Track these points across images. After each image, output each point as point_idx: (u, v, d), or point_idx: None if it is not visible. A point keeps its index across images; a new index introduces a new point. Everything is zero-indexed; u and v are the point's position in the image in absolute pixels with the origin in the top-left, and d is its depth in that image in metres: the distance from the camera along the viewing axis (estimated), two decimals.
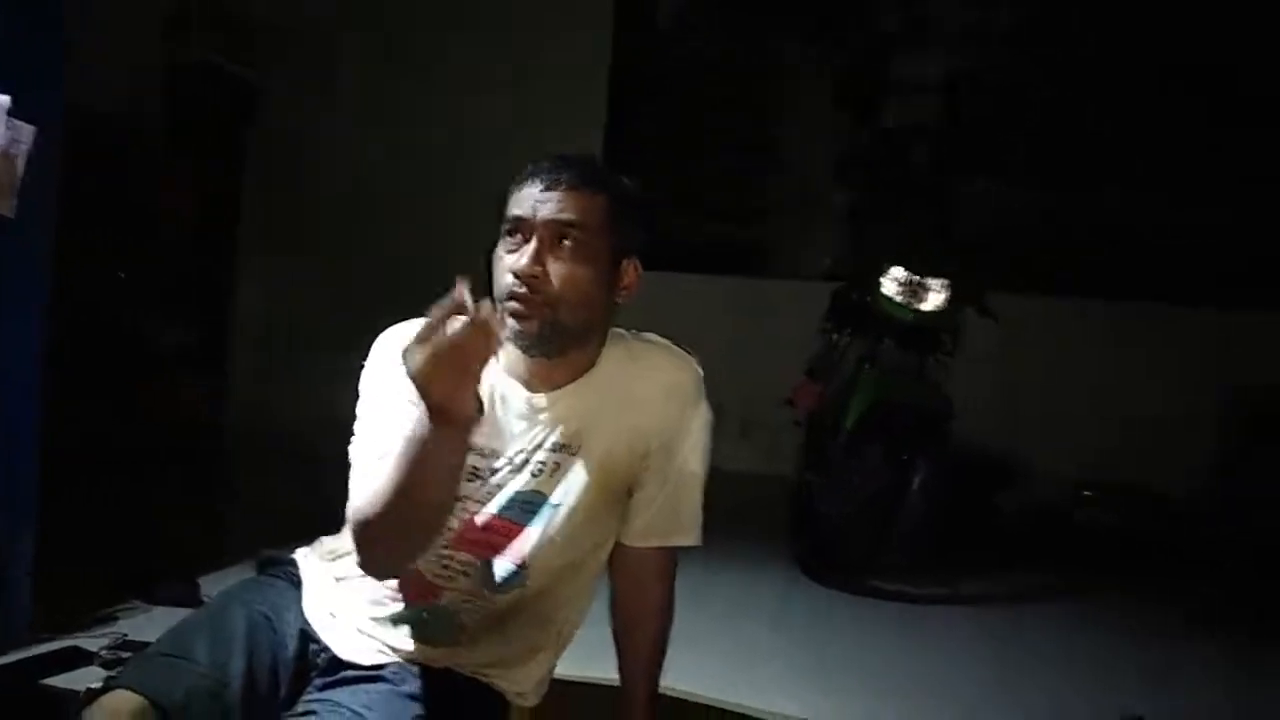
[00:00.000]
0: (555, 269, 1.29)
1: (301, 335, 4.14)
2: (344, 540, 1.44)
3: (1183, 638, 2.59)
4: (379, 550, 1.27)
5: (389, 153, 4.09)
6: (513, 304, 1.29)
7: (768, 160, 4.15)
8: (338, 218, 4.16)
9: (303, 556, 1.48)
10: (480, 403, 1.18)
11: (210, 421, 3.90)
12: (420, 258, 4.00)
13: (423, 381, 1.13)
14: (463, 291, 1.11)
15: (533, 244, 1.29)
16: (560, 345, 1.33)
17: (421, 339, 1.11)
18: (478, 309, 1.11)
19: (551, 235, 1.29)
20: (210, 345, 4.02)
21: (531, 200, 1.30)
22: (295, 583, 1.44)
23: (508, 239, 1.32)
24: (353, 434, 1.37)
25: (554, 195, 1.30)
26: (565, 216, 1.29)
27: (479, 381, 1.15)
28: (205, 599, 1.96)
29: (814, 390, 3.09)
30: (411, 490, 1.19)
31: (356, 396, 1.41)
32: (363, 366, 1.41)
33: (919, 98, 3.86)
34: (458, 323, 1.10)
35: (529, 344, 1.31)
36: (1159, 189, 3.71)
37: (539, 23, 4.06)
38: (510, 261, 1.30)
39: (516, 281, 1.28)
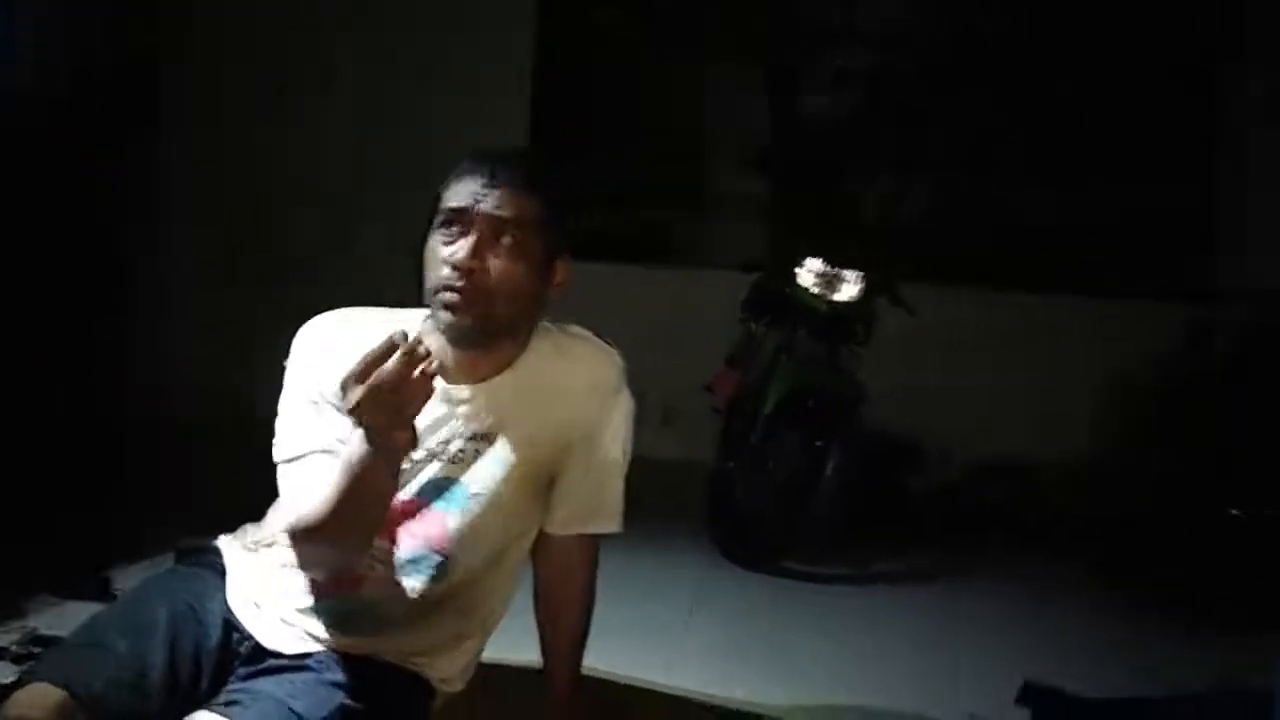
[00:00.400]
0: (493, 264, 1.30)
1: (211, 323, 4.04)
2: (268, 529, 1.45)
3: (1076, 606, 2.75)
4: (319, 552, 1.30)
5: (305, 146, 4.00)
6: (448, 295, 1.29)
7: (689, 152, 4.20)
8: (249, 207, 4.07)
9: (226, 545, 1.48)
10: (415, 432, 1.21)
11: (118, 410, 3.78)
12: (332, 250, 3.97)
13: (361, 416, 1.16)
14: (404, 335, 1.15)
15: (471, 237, 1.29)
16: (490, 339, 1.35)
17: (360, 376, 1.14)
18: (417, 349, 1.14)
19: (490, 230, 1.30)
20: (116, 330, 3.90)
21: (471, 193, 1.30)
22: (218, 571, 1.43)
23: (443, 230, 1.31)
24: (274, 427, 1.38)
25: (495, 191, 1.30)
26: (505, 214, 1.30)
27: (416, 416, 1.19)
28: (117, 592, 1.93)
29: (733, 378, 3.16)
30: (348, 506, 1.22)
31: (266, 384, 1.41)
32: (271, 354, 1.41)
33: (835, 91, 3.96)
34: (395, 360, 1.13)
35: (460, 336, 1.32)
36: (1057, 186, 3.89)
37: (460, 14, 4.03)
38: (447, 253, 1.30)
39: (454, 274, 1.28)
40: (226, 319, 3.97)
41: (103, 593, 2.14)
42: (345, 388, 1.16)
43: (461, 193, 1.31)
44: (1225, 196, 3.81)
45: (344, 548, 1.30)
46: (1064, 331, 3.73)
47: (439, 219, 1.33)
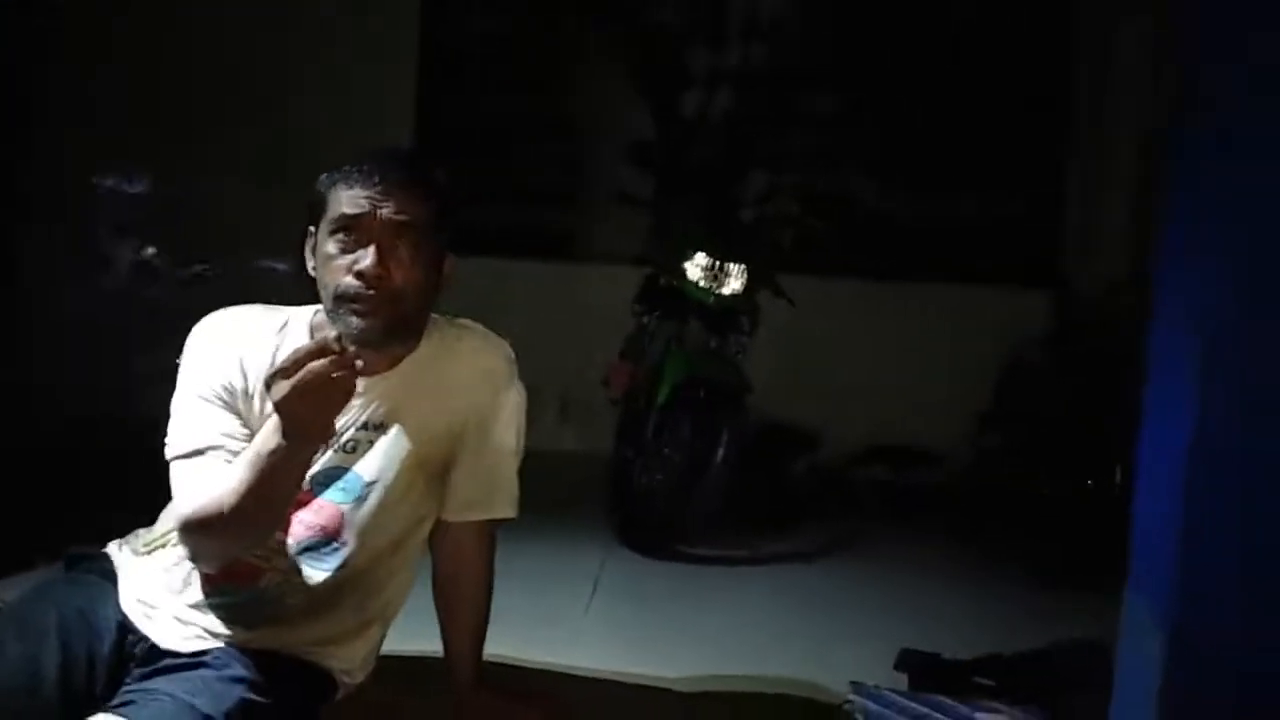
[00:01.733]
0: (395, 268, 1.32)
1: (95, 327, 3.88)
2: (158, 531, 1.45)
3: (946, 576, 2.93)
4: (215, 545, 1.32)
5: (194, 145, 3.87)
6: (355, 305, 1.32)
7: (578, 147, 4.26)
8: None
9: (115, 550, 1.47)
10: (334, 428, 1.26)
11: None
12: (221, 251, 3.86)
13: (287, 411, 1.19)
14: (337, 337, 1.20)
15: (373, 244, 1.31)
16: (394, 338, 1.38)
17: (287, 372, 1.18)
18: (345, 351, 1.19)
19: (390, 235, 1.32)
20: None
21: (365, 200, 1.32)
22: (109, 577, 1.42)
23: (339, 237, 1.33)
24: (166, 426, 1.38)
25: (389, 195, 1.32)
26: (403, 217, 1.32)
27: (337, 413, 1.24)
28: None
29: (627, 370, 3.23)
30: (254, 498, 1.25)
31: (150, 388, 1.41)
32: (159, 356, 1.41)
33: (712, 87, 4.07)
34: (325, 360, 1.18)
35: (367, 340, 1.34)
36: (928, 180, 4.12)
37: (346, 16, 3.97)
38: (348, 260, 1.32)
39: (359, 283, 1.31)
40: (97, 321, 3.82)
41: None
42: (270, 383, 1.19)
43: (355, 199, 1.32)
44: (1075, 194, 4.10)
45: (244, 539, 1.32)
46: (932, 318, 3.93)
47: (332, 225, 1.34)
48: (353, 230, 1.33)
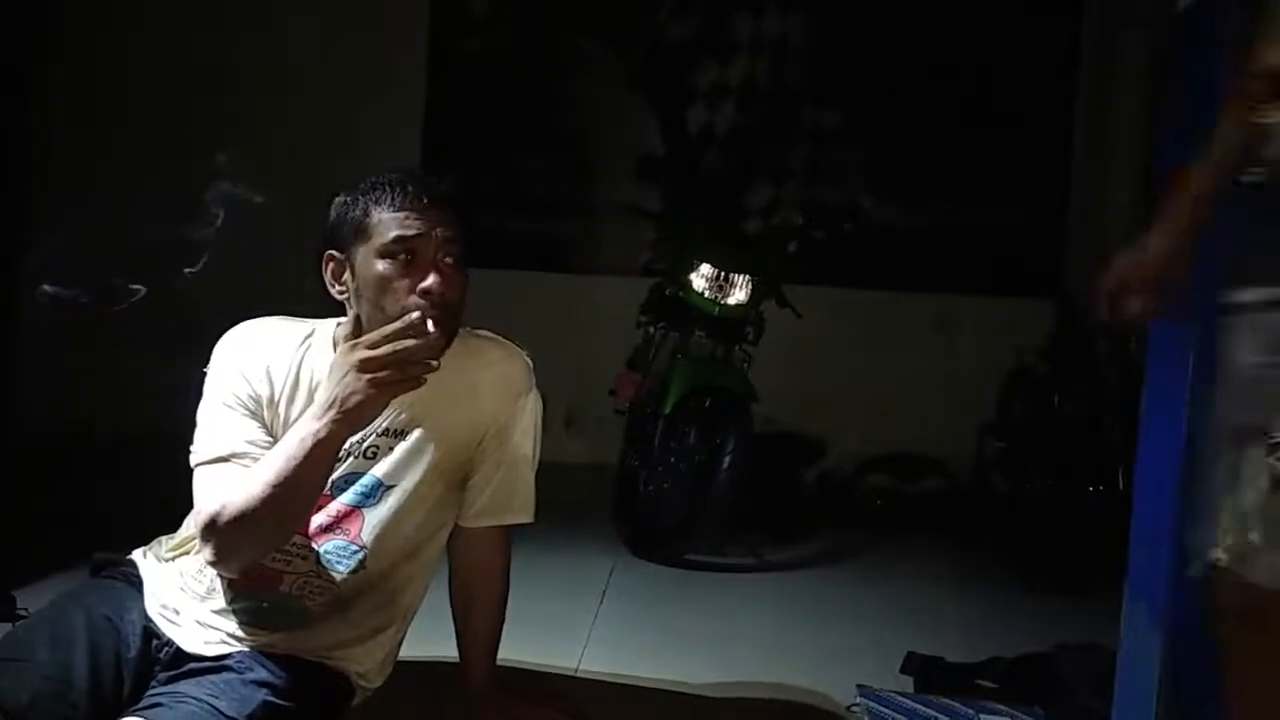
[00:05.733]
0: (449, 285, 1.38)
1: (107, 334, 3.92)
2: (181, 537, 1.48)
3: (952, 581, 2.95)
4: (241, 541, 1.33)
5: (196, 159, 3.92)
6: (430, 325, 1.35)
7: (584, 160, 4.30)
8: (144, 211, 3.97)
9: (140, 557, 1.50)
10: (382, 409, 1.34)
11: (16, 428, 3.65)
12: (232, 257, 3.90)
13: (358, 384, 1.26)
14: (416, 319, 1.28)
15: (430, 265, 1.36)
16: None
17: (374, 344, 1.25)
18: (432, 335, 1.27)
19: (440, 252, 1.37)
20: (6, 344, 3.75)
21: (414, 221, 1.37)
22: (134, 583, 1.46)
23: (392, 259, 1.36)
24: (182, 440, 1.41)
25: (434, 214, 1.38)
26: (450, 234, 1.38)
27: (399, 395, 1.31)
28: (22, 612, 1.90)
29: (634, 380, 3.26)
30: (289, 482, 1.28)
31: (166, 395, 1.44)
32: (170, 365, 1.45)
33: (718, 101, 4.12)
34: (413, 341, 1.26)
35: (435, 355, 1.36)
36: (931, 192, 4.16)
37: (354, 21, 4.03)
38: (408, 284, 1.36)
39: (425, 301, 1.35)
40: (118, 334, 3.87)
41: (8, 612, 2.10)
42: (347, 352, 1.27)
43: (406, 221, 1.36)
44: (1077, 205, 4.15)
45: (270, 533, 1.34)
46: (936, 328, 3.97)
47: (383, 248, 1.36)
48: (408, 252, 1.37)
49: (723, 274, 3.03)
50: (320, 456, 1.29)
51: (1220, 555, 1.18)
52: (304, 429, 1.29)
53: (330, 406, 1.27)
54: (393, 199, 1.38)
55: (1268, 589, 1.14)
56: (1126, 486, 2.62)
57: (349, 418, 1.27)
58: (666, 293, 3.24)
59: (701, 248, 3.11)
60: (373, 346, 1.25)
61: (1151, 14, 3.51)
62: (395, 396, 1.31)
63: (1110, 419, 2.93)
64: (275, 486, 1.28)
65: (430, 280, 1.36)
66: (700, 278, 3.04)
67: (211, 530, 1.32)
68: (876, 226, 4.06)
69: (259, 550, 1.37)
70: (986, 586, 2.91)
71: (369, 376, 1.25)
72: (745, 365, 3.13)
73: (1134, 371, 1.91)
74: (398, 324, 1.27)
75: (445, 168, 3.88)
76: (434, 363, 1.28)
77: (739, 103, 4.10)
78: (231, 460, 1.36)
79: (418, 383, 1.28)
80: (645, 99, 4.11)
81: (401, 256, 1.36)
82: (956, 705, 1.95)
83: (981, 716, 1.91)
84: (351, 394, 1.26)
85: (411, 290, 1.35)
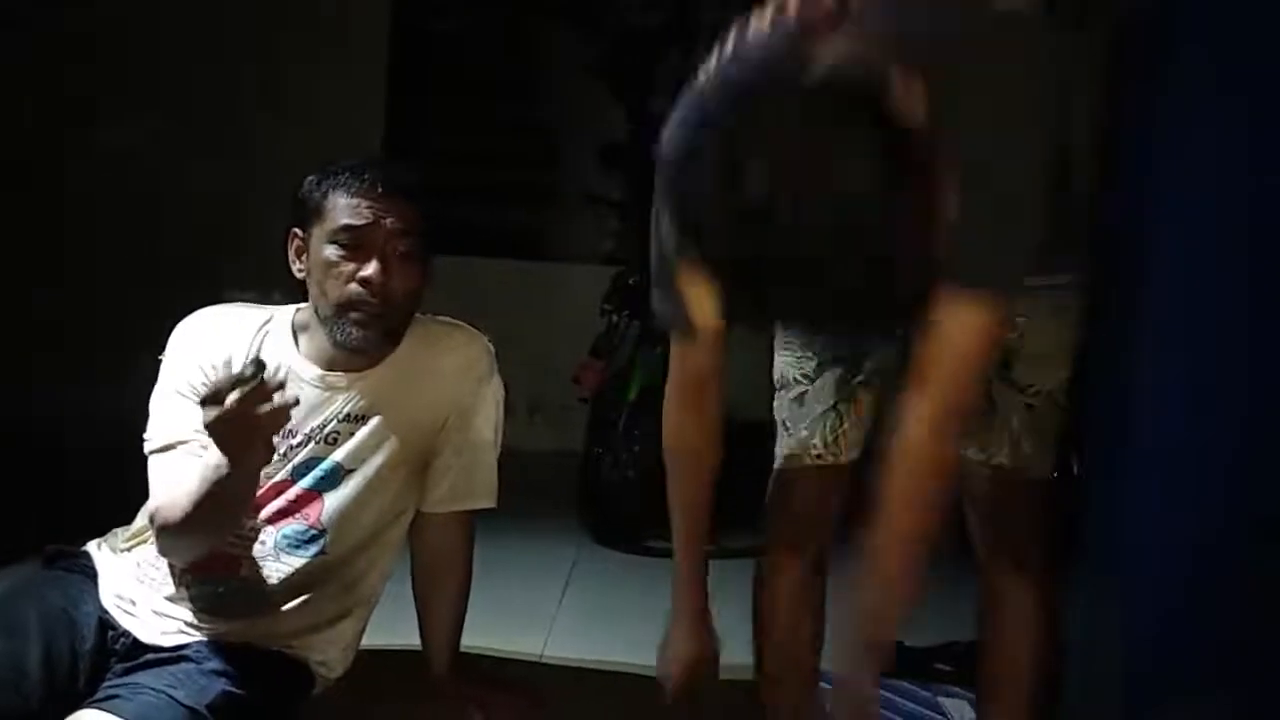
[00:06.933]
0: (396, 276, 1.37)
1: (54, 329, 3.85)
2: (136, 527, 1.46)
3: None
4: (180, 543, 1.35)
5: (167, 148, 3.84)
6: (358, 314, 1.36)
7: (548, 147, 4.28)
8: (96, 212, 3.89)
9: (95, 548, 1.48)
10: (271, 447, 1.27)
11: None
12: (185, 247, 3.84)
13: (216, 438, 1.20)
14: (257, 364, 1.16)
15: (375, 255, 1.35)
16: (388, 343, 1.42)
17: (210, 401, 1.16)
18: (267, 384, 1.15)
19: (389, 243, 1.36)
20: None
21: (368, 210, 1.36)
22: (89, 574, 1.44)
23: (339, 245, 1.36)
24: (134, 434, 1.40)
25: (389, 205, 1.36)
26: (402, 225, 1.37)
27: (270, 438, 1.24)
28: None
29: (597, 368, 3.26)
30: (206, 506, 1.27)
31: (113, 388, 1.43)
32: (114, 359, 1.44)
33: (684, 89, 4.12)
34: (241, 396, 1.14)
35: (368, 347, 1.38)
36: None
37: (313, 11, 3.96)
38: (350, 270, 1.35)
39: (364, 292, 1.34)
40: (72, 327, 3.79)
41: None
42: (203, 405, 1.18)
43: (357, 209, 1.36)
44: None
45: (200, 541, 1.35)
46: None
47: (332, 234, 1.36)
48: (355, 240, 1.36)
49: None
50: (229, 484, 1.25)
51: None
52: (214, 455, 1.25)
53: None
54: (349, 185, 1.37)
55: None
56: (1082, 471, 2.66)
57: (235, 464, 1.23)
58: (630, 281, 3.24)
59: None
60: (215, 401, 1.16)
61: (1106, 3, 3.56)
62: (260, 444, 1.23)
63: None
64: (196, 504, 1.27)
65: (370, 270, 1.35)
66: None
67: (154, 523, 1.33)
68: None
69: (197, 551, 1.36)
70: (944, 569, 2.95)
71: (220, 438, 1.20)
72: None
73: (1084, 356, 1.94)
74: (227, 377, 1.16)
75: (406, 153, 3.85)
76: (289, 414, 1.21)
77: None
78: (180, 448, 1.35)
79: (272, 429, 1.22)
80: (609, 86, 4.10)
81: (346, 244, 1.36)
82: (916, 689, 1.98)
83: (940, 700, 1.95)
84: (222, 448, 1.21)
85: (353, 278, 1.35)
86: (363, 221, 1.36)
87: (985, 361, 1.19)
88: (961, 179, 0.91)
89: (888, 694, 1.96)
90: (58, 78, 3.79)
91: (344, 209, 1.37)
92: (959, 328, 1.09)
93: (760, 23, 1.07)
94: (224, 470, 1.23)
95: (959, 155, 0.91)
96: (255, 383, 1.15)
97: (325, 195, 1.38)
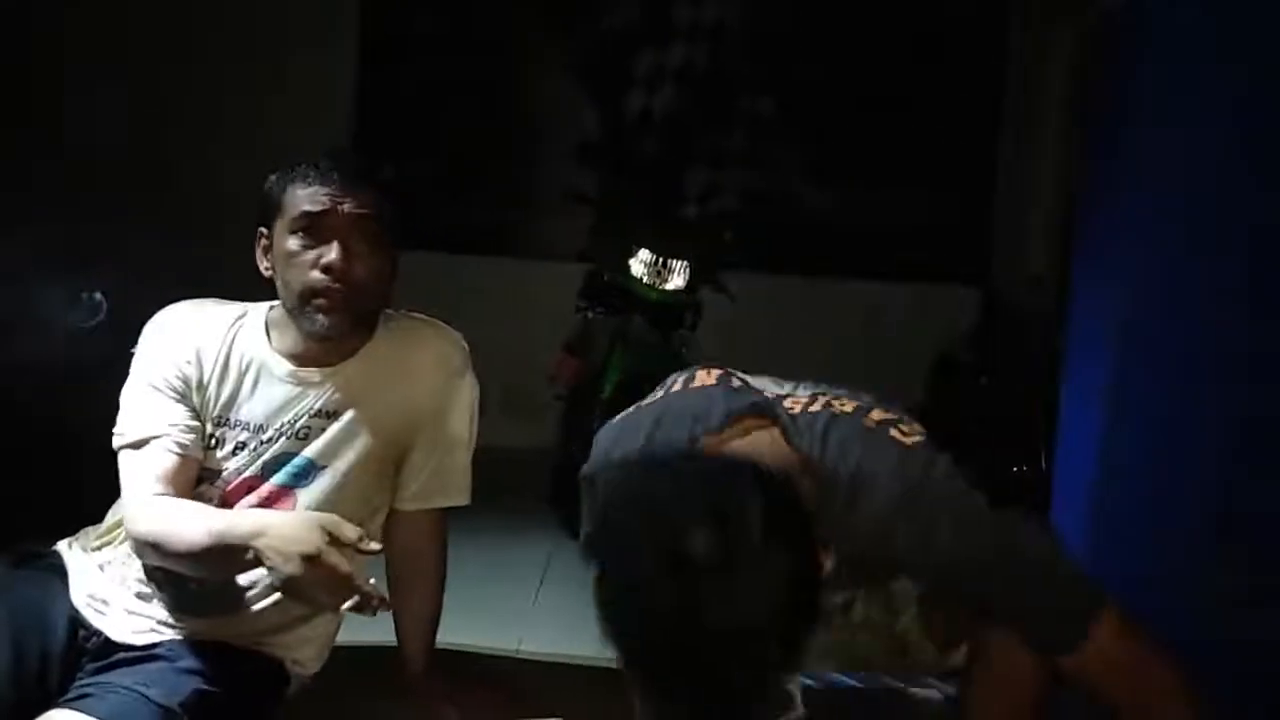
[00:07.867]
0: (358, 261, 1.36)
1: (37, 324, 3.79)
2: (107, 525, 1.45)
3: None
4: (162, 564, 1.36)
5: (133, 146, 3.79)
6: (323, 300, 1.35)
7: (522, 144, 4.27)
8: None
9: (65, 548, 1.47)
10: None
11: None
12: (158, 248, 3.79)
13: (290, 587, 1.22)
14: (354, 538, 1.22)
15: (336, 240, 1.34)
16: (354, 330, 1.42)
17: (308, 554, 1.20)
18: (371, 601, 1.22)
19: (350, 230, 1.35)
20: None
21: (326, 197, 1.35)
22: (59, 574, 1.43)
23: (300, 235, 1.35)
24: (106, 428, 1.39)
25: (348, 191, 1.35)
26: (363, 211, 1.36)
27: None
28: None
29: (572, 364, 3.26)
30: (204, 561, 1.30)
31: (83, 385, 1.42)
32: (89, 351, 1.43)
33: (656, 87, 4.12)
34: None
35: (331, 334, 1.37)
36: (863, 179, 4.22)
37: (283, 6, 3.93)
38: (311, 258, 1.34)
39: (326, 278, 1.34)
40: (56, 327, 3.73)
41: None
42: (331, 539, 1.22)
43: (315, 196, 1.35)
44: (1004, 193, 4.25)
45: (184, 571, 1.36)
46: (866, 315, 4.05)
47: (293, 223, 1.36)
48: (314, 227, 1.35)
49: (661, 259, 3.05)
50: (240, 558, 1.27)
51: None
52: (236, 530, 1.26)
53: (261, 533, 1.23)
54: (308, 176, 1.37)
55: None
56: (1050, 466, 2.71)
57: (262, 551, 1.23)
58: (605, 278, 3.24)
59: (640, 233, 3.12)
60: (307, 558, 1.20)
61: (1080, 5, 3.61)
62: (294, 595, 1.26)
63: (1033, 402, 3.02)
64: (198, 556, 1.29)
65: (331, 255, 1.34)
66: (639, 263, 3.06)
67: (138, 540, 1.33)
68: (809, 213, 4.12)
69: (180, 571, 1.37)
70: None
71: (300, 574, 1.21)
72: (683, 350, 3.16)
73: (1057, 357, 1.98)
74: (327, 550, 1.21)
75: (378, 149, 3.83)
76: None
77: (678, 88, 4.11)
78: (152, 443, 1.35)
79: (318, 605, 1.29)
80: (583, 84, 4.10)
81: (306, 232, 1.35)
82: (887, 677, 1.99)
83: (912, 690, 1.96)
84: (279, 556, 1.22)
85: (315, 265, 1.34)
86: (320, 208, 1.35)
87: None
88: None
89: (858, 683, 1.97)
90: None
91: (303, 198, 1.36)
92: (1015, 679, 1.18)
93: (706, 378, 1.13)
94: (239, 550, 1.24)
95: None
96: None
97: (285, 189, 1.38)
